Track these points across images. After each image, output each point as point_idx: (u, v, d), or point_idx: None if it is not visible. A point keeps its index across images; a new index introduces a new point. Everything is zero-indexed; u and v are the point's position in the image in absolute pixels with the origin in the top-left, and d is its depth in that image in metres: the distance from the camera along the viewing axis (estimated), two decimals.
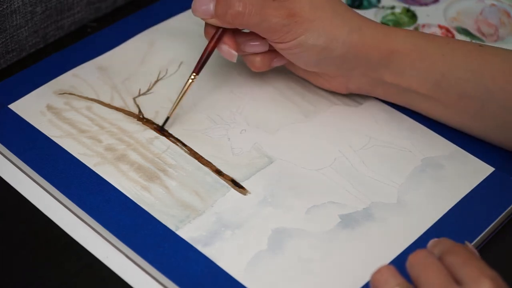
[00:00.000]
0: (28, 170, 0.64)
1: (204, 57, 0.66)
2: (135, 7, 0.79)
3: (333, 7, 0.64)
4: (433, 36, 0.66)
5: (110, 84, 0.71)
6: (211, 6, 0.64)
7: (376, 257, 0.58)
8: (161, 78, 0.72)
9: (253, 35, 0.66)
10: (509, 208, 0.62)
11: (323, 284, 0.57)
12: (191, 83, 0.66)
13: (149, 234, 0.59)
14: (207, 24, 0.66)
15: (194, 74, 0.66)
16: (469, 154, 0.66)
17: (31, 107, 0.68)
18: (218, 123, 0.68)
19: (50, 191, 0.63)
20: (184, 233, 0.59)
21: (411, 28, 0.77)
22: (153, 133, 0.67)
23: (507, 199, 0.63)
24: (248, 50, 0.67)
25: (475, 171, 0.65)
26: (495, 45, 0.75)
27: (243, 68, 0.73)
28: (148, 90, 0.71)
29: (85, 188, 0.62)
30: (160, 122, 0.68)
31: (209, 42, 0.66)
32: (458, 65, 0.63)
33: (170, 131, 0.67)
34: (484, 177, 0.64)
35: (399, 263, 0.55)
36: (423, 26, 0.78)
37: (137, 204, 0.61)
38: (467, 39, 0.76)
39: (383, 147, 0.67)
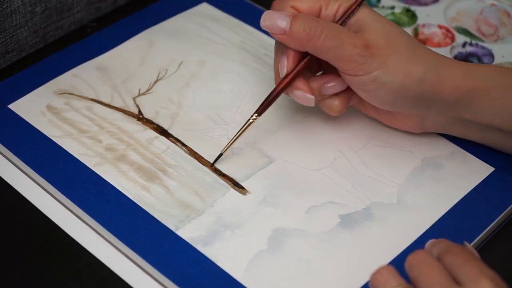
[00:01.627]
0: (28, 170, 0.64)
1: (270, 99, 0.64)
2: (135, 7, 0.79)
3: (409, 43, 0.61)
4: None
5: (110, 84, 0.71)
6: (286, 22, 0.61)
7: (376, 257, 0.58)
8: (161, 78, 0.72)
9: (328, 77, 0.63)
10: (509, 208, 0.62)
11: (323, 284, 0.57)
12: (251, 123, 0.63)
13: (149, 234, 0.59)
14: (276, 73, 0.64)
15: (256, 115, 0.63)
16: (469, 154, 0.66)
17: (31, 107, 0.68)
18: (218, 123, 0.68)
19: (50, 191, 0.63)
20: (184, 233, 0.59)
21: (411, 28, 0.77)
22: (153, 133, 0.67)
23: (507, 199, 0.63)
24: (327, 92, 0.63)
25: (475, 171, 0.65)
26: (495, 45, 0.76)
27: (242, 68, 0.73)
28: (148, 90, 0.71)
29: (85, 188, 0.62)
30: (159, 122, 0.68)
31: (279, 84, 0.63)
32: None
33: (170, 131, 0.67)
34: (484, 177, 0.64)
35: (399, 263, 0.55)
36: (423, 26, 0.78)
37: (137, 204, 0.61)
38: (467, 39, 0.76)
39: (383, 147, 0.67)
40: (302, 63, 0.63)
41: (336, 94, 0.64)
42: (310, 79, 0.64)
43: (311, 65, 0.64)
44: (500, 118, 0.61)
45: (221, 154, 0.64)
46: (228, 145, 0.64)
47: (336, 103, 0.64)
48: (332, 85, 0.63)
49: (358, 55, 0.60)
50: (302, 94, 0.62)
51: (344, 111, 0.65)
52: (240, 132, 0.63)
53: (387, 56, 0.60)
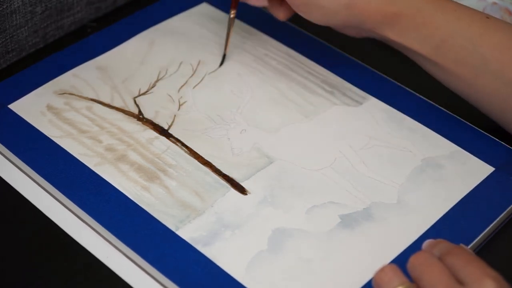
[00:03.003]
0: (28, 170, 0.64)
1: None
2: (135, 7, 0.79)
3: None
4: (441, 1, 0.67)
5: (110, 84, 0.71)
6: None
7: (376, 257, 0.58)
8: (161, 78, 0.72)
9: None
10: (509, 208, 0.62)
11: (323, 284, 0.57)
12: (233, 18, 0.72)
13: (149, 234, 0.59)
14: None
15: (234, 11, 0.72)
16: (469, 154, 0.66)
17: (31, 107, 0.68)
18: (218, 123, 0.68)
19: (50, 191, 0.63)
20: (184, 233, 0.59)
21: None
22: (153, 133, 0.67)
23: (507, 199, 0.63)
24: None
25: (475, 171, 0.65)
26: None
27: (243, 68, 0.73)
28: (148, 90, 0.71)
29: (85, 188, 0.62)
30: (159, 122, 0.68)
31: None
32: (459, 33, 0.65)
33: (170, 131, 0.67)
34: (484, 177, 0.64)
35: (399, 263, 0.55)
36: None
37: (137, 204, 0.61)
38: None
39: (383, 147, 0.67)
40: None
41: (282, 2, 0.71)
42: None
43: None
44: (418, 43, 0.66)
45: (225, 55, 0.73)
46: (226, 45, 0.73)
47: (281, 9, 0.71)
48: None
49: None
50: None
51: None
52: (229, 31, 0.72)
53: None
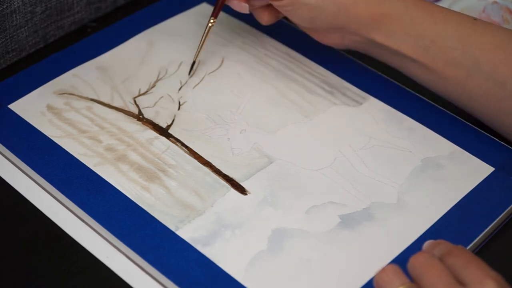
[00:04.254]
0: (28, 170, 0.64)
1: (219, 5, 0.71)
2: (135, 7, 0.79)
3: None
4: (427, 3, 0.67)
5: (110, 84, 0.71)
6: None
7: (376, 257, 0.58)
8: (161, 78, 0.72)
9: None
10: (509, 208, 0.62)
11: (323, 284, 0.57)
12: (210, 27, 0.71)
13: (149, 234, 0.59)
14: None
15: (213, 18, 0.71)
16: (469, 154, 0.66)
17: (31, 107, 0.68)
18: (218, 123, 0.68)
19: (50, 191, 0.63)
20: (184, 233, 0.59)
21: None
22: (153, 133, 0.67)
23: (507, 199, 0.63)
24: (256, 4, 0.70)
25: (475, 171, 0.65)
26: None
27: (243, 68, 0.73)
28: (148, 90, 0.71)
29: (85, 188, 0.62)
30: (159, 122, 0.68)
31: None
32: (448, 34, 0.65)
33: (170, 131, 0.67)
34: (484, 177, 0.64)
35: (399, 263, 0.55)
36: None
37: (137, 204, 0.61)
38: None
39: (383, 147, 0.67)
40: None
41: (266, 7, 0.71)
42: None
43: None
44: (406, 45, 0.66)
45: (194, 62, 0.71)
46: (198, 52, 0.71)
47: (266, 13, 0.71)
48: None
49: None
50: (237, 2, 0.70)
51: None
52: (203, 38, 0.71)
53: None
